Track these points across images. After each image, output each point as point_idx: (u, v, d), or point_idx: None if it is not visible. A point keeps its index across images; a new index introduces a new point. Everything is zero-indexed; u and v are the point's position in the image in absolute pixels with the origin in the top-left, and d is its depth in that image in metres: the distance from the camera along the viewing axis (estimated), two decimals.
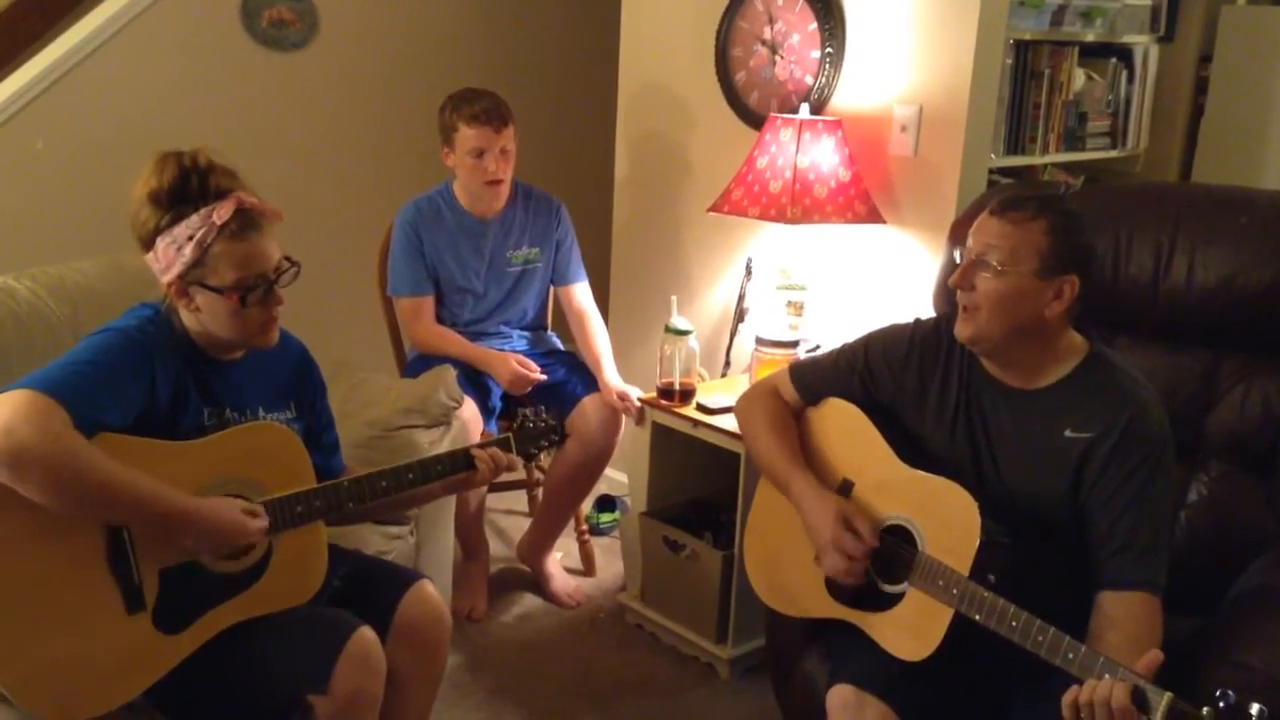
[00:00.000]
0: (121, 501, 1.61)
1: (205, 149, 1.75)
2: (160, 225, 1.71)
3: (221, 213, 1.69)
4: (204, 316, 1.75)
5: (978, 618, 1.66)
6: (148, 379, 1.69)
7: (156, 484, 1.63)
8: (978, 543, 1.70)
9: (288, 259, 1.78)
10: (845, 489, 1.95)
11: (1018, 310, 1.75)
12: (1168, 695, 1.42)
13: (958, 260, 1.82)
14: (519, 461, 2.09)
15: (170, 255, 1.71)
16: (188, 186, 1.71)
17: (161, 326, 1.76)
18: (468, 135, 2.88)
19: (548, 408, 2.20)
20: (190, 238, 1.69)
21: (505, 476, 2.09)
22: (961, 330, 1.81)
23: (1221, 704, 1.37)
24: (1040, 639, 1.58)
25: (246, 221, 1.72)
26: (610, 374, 3.00)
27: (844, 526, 1.84)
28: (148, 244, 1.74)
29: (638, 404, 2.89)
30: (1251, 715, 1.34)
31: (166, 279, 1.73)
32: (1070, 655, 1.55)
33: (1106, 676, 1.48)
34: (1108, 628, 1.64)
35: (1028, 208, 1.75)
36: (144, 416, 1.69)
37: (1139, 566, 1.68)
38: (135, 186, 1.73)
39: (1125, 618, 1.65)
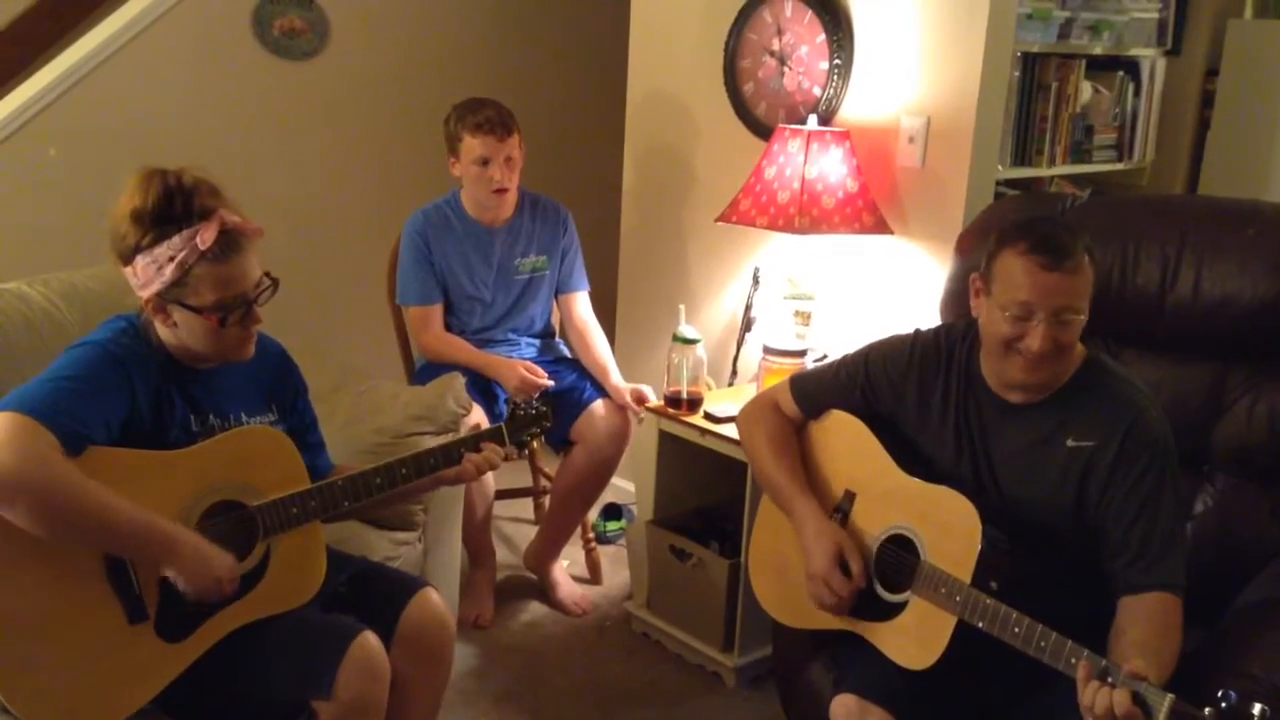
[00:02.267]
0: (104, 528, 1.60)
1: (190, 167, 1.74)
2: (141, 244, 1.69)
3: (205, 236, 1.68)
4: (181, 333, 1.74)
5: (980, 624, 1.66)
6: (127, 391, 1.69)
7: (143, 512, 1.62)
8: (979, 550, 1.71)
9: (267, 275, 1.78)
10: (848, 500, 1.96)
11: (1075, 343, 1.77)
12: (1170, 697, 1.42)
13: (1011, 331, 1.73)
14: (513, 452, 2.09)
15: (150, 274, 1.70)
16: (172, 207, 1.69)
17: (137, 338, 1.75)
18: (472, 144, 2.89)
19: (555, 415, 2.19)
20: (172, 259, 1.68)
21: (504, 484, 2.09)
22: (1033, 377, 1.77)
23: (1224, 704, 1.37)
24: (1043, 645, 1.58)
25: (229, 243, 1.71)
26: (618, 380, 3.02)
27: (837, 563, 1.86)
28: (126, 259, 1.72)
29: (642, 409, 2.92)
30: (1254, 716, 1.34)
31: (144, 295, 1.72)
32: (1073, 660, 1.55)
33: (1107, 683, 1.48)
34: (1128, 626, 1.65)
35: (1076, 251, 1.71)
36: (130, 428, 1.69)
37: (1154, 570, 1.68)
38: (118, 202, 1.72)
39: (1144, 616, 1.65)
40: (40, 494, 1.53)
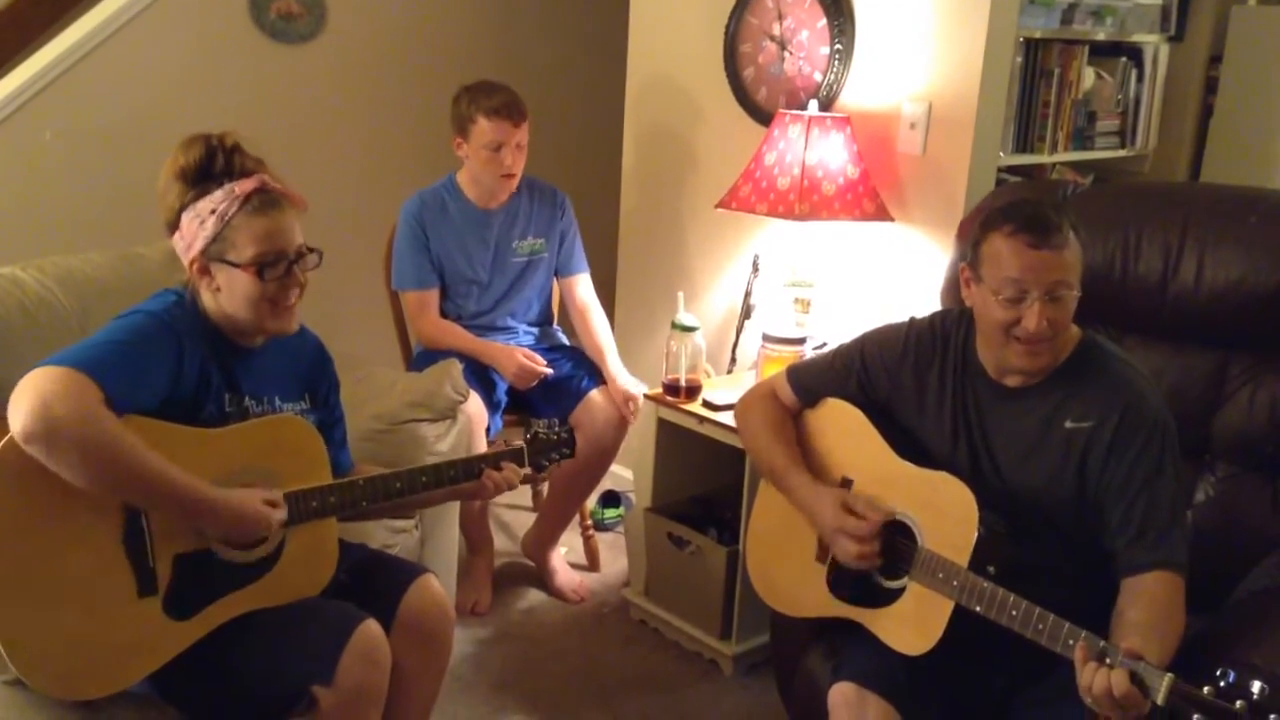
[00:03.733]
0: (149, 485, 1.61)
1: (234, 132, 1.79)
2: (185, 202, 1.74)
3: (244, 185, 1.73)
4: (223, 297, 1.76)
5: (978, 609, 1.67)
6: (176, 362, 1.70)
7: (183, 472, 1.64)
8: (976, 535, 1.71)
9: (309, 248, 1.81)
10: (845, 486, 1.95)
11: (1070, 323, 1.76)
12: (1168, 676, 1.42)
13: (1006, 315, 1.73)
14: (523, 473, 2.08)
15: (193, 230, 1.73)
16: (213, 164, 1.75)
17: (187, 311, 1.78)
18: (486, 128, 2.87)
19: (553, 403, 2.19)
20: (212, 211, 1.72)
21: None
22: (1035, 363, 1.76)
23: (1222, 683, 1.37)
24: (1040, 627, 1.59)
25: (268, 199, 1.75)
26: (615, 366, 3.01)
27: (846, 511, 1.85)
28: (174, 224, 1.77)
29: (634, 410, 2.92)
30: (1253, 694, 1.34)
31: (190, 256, 1.75)
32: (1070, 642, 1.55)
33: (1105, 664, 1.48)
34: (1128, 606, 1.64)
35: (1062, 228, 1.71)
36: (168, 399, 1.69)
37: (1155, 549, 1.68)
38: (163, 169, 1.77)
39: (1145, 596, 1.65)
40: (87, 445, 1.54)
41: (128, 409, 1.61)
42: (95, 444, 1.55)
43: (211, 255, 1.74)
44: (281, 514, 1.74)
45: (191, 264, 1.76)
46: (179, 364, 1.71)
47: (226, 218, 1.72)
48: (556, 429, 2.12)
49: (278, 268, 1.75)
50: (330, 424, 2.01)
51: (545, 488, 3.28)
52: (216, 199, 1.73)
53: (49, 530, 1.61)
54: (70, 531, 1.62)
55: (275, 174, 1.80)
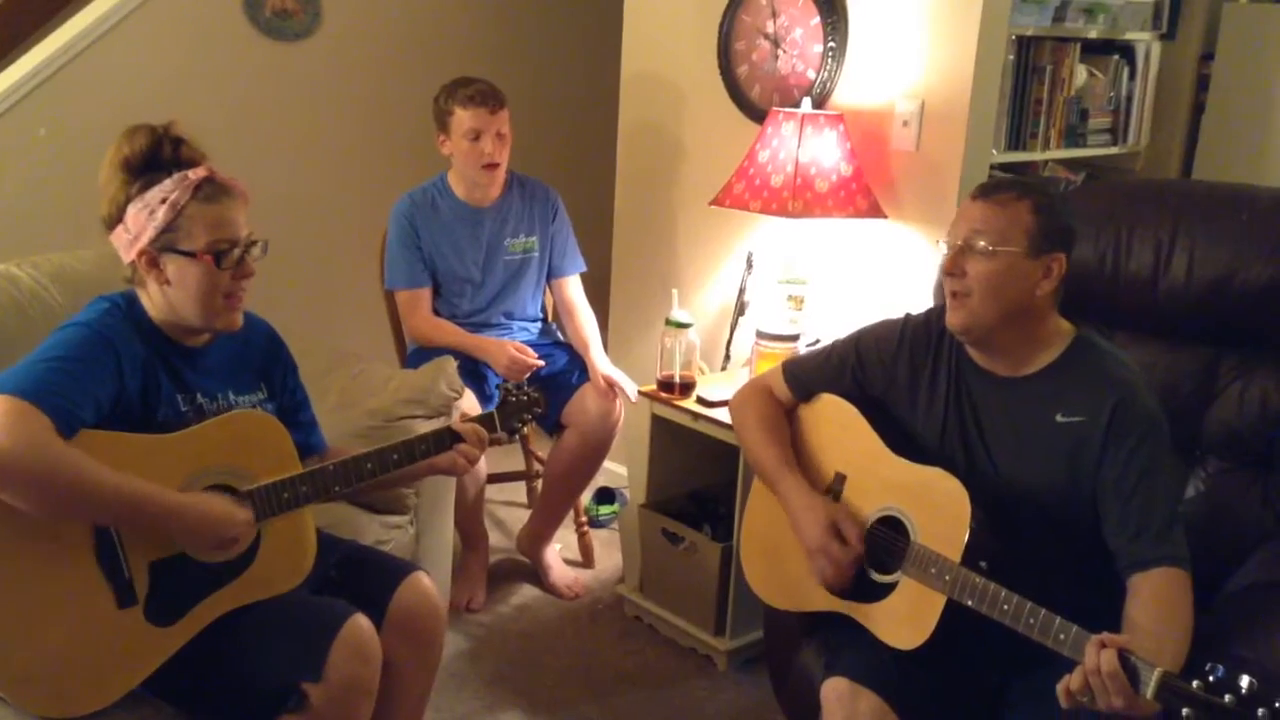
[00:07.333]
0: (108, 504, 1.60)
1: (177, 121, 1.77)
2: (131, 194, 1.71)
3: (196, 173, 1.71)
4: (172, 291, 1.73)
5: (970, 603, 1.67)
6: (114, 370, 1.68)
7: (143, 484, 1.62)
8: (968, 530, 1.72)
9: (254, 238, 1.79)
10: (838, 482, 1.96)
11: (1009, 291, 1.76)
12: (1158, 669, 1.43)
13: (943, 250, 1.83)
14: (502, 436, 2.08)
15: (142, 221, 1.70)
16: (160, 153, 1.73)
17: (120, 317, 1.74)
18: (463, 117, 2.88)
19: (546, 397, 2.19)
20: (163, 200, 1.69)
21: (496, 468, 2.08)
22: (953, 318, 1.81)
23: (1211, 678, 1.38)
24: (1031, 621, 1.60)
25: (219, 188, 1.74)
26: (597, 354, 3.01)
27: (832, 534, 1.86)
28: (116, 219, 1.73)
29: (625, 390, 2.92)
30: (1241, 688, 1.35)
31: (137, 248, 1.71)
32: (1061, 636, 1.56)
33: (1094, 648, 1.49)
34: (1139, 609, 1.64)
35: (1011, 189, 1.79)
36: (118, 409, 1.68)
37: (1159, 545, 1.68)
38: (103, 161, 1.75)
39: (1154, 595, 1.65)
40: (39, 476, 1.53)
41: (76, 427, 1.59)
42: (49, 473, 1.53)
43: (161, 245, 1.71)
44: (247, 514, 1.73)
45: (140, 256, 1.72)
46: (118, 372, 1.68)
47: (179, 206, 1.69)
48: (525, 390, 2.12)
49: (231, 255, 1.73)
50: (294, 407, 1.99)
51: (540, 484, 3.29)
52: (167, 188, 1.70)
53: (20, 555, 1.60)
54: (41, 553, 1.61)
55: (216, 165, 1.78)
